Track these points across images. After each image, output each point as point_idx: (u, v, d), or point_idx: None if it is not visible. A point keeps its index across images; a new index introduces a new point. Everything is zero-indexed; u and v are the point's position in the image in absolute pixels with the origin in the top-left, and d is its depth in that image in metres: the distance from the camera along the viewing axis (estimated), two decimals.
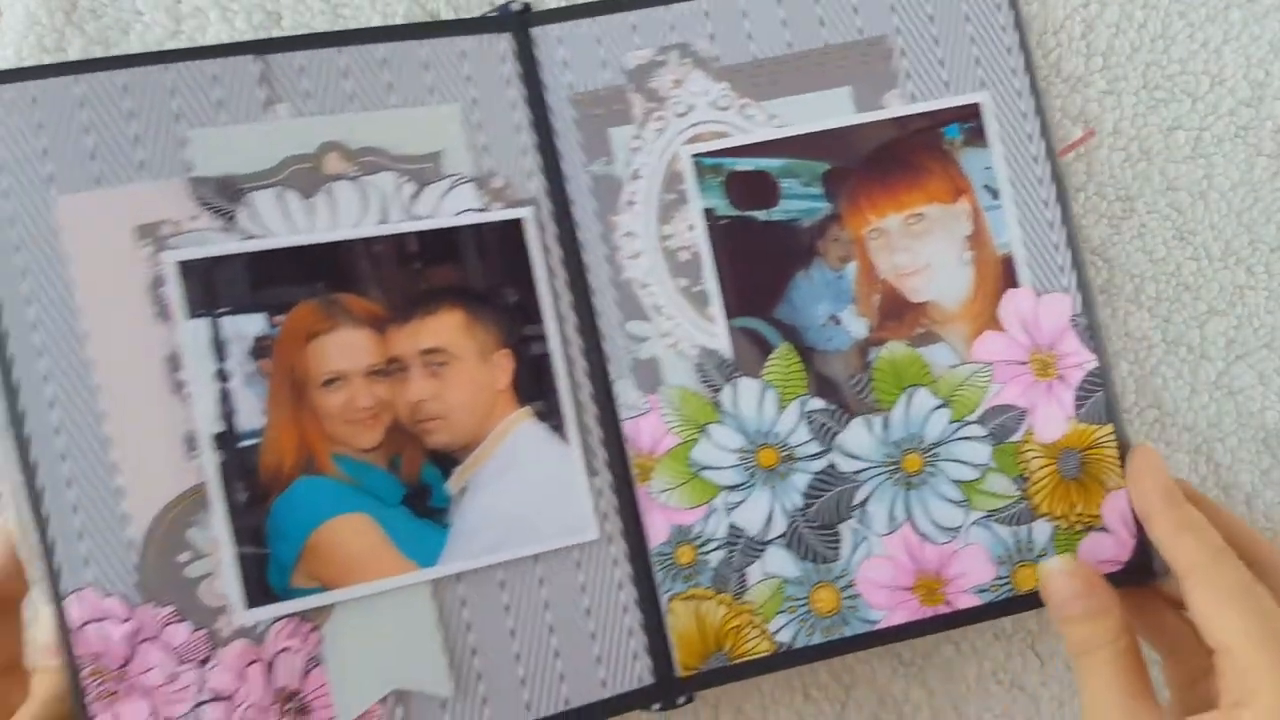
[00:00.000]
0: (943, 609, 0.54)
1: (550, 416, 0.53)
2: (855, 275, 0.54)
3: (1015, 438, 0.54)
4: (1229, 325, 0.64)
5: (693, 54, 0.55)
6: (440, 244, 0.52)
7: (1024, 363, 0.54)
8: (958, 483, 0.54)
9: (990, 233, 0.55)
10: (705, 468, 0.54)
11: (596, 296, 0.54)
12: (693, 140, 0.55)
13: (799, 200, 0.54)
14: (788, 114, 0.55)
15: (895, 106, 0.55)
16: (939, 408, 0.54)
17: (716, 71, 0.55)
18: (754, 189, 0.55)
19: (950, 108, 0.55)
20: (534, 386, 0.53)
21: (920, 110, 0.55)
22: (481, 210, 0.53)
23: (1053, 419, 0.54)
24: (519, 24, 0.55)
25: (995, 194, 0.55)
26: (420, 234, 0.52)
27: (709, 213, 0.54)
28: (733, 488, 0.54)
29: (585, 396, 0.53)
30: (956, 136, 0.55)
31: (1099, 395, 0.54)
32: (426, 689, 0.50)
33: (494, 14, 0.56)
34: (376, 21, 0.59)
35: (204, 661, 0.47)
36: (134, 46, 0.59)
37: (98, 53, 0.59)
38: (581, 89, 0.55)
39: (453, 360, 0.52)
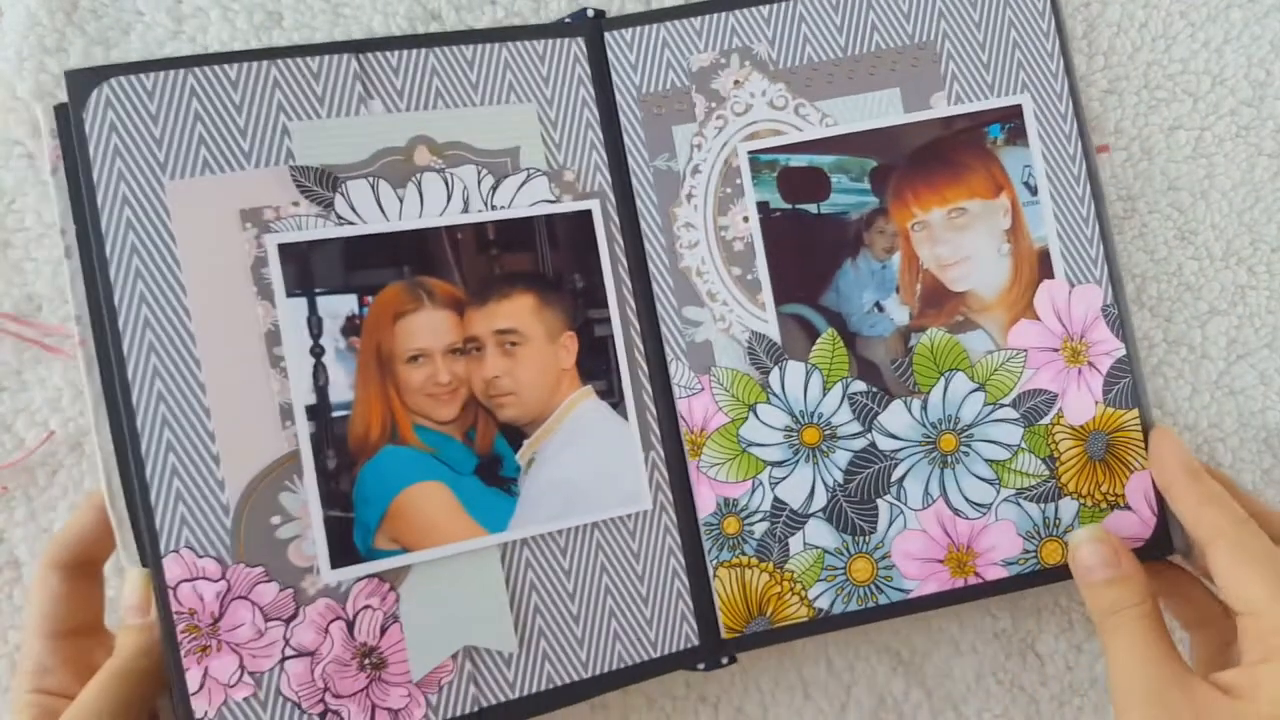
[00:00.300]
0: (972, 580, 0.57)
1: (610, 394, 0.57)
2: (899, 265, 0.58)
3: (1046, 420, 0.58)
4: (1230, 325, 0.66)
5: (752, 56, 0.58)
6: (515, 232, 0.56)
7: (1056, 350, 0.58)
8: (990, 462, 0.57)
9: (1028, 227, 0.58)
10: (752, 444, 0.57)
11: (656, 283, 0.58)
12: (750, 138, 0.58)
13: (848, 194, 0.58)
14: (839, 113, 0.58)
15: (941, 107, 0.58)
16: (974, 391, 0.57)
17: (774, 73, 0.58)
18: (806, 183, 0.58)
19: (993, 109, 0.58)
20: (596, 366, 0.57)
21: (965, 111, 0.58)
22: (553, 202, 0.57)
23: (1082, 403, 0.58)
24: (593, 29, 0.58)
25: (1033, 190, 0.58)
26: (498, 223, 0.56)
27: (763, 206, 0.58)
28: (778, 464, 0.57)
29: (643, 376, 0.57)
30: (998, 136, 0.58)
31: (1126, 381, 0.58)
32: (493, 645, 0.54)
33: (569, 20, 0.60)
34: (378, 21, 0.62)
35: (290, 619, 0.52)
36: (135, 46, 0.61)
37: (98, 53, 0.61)
38: (648, 90, 0.58)
39: (524, 341, 0.56)
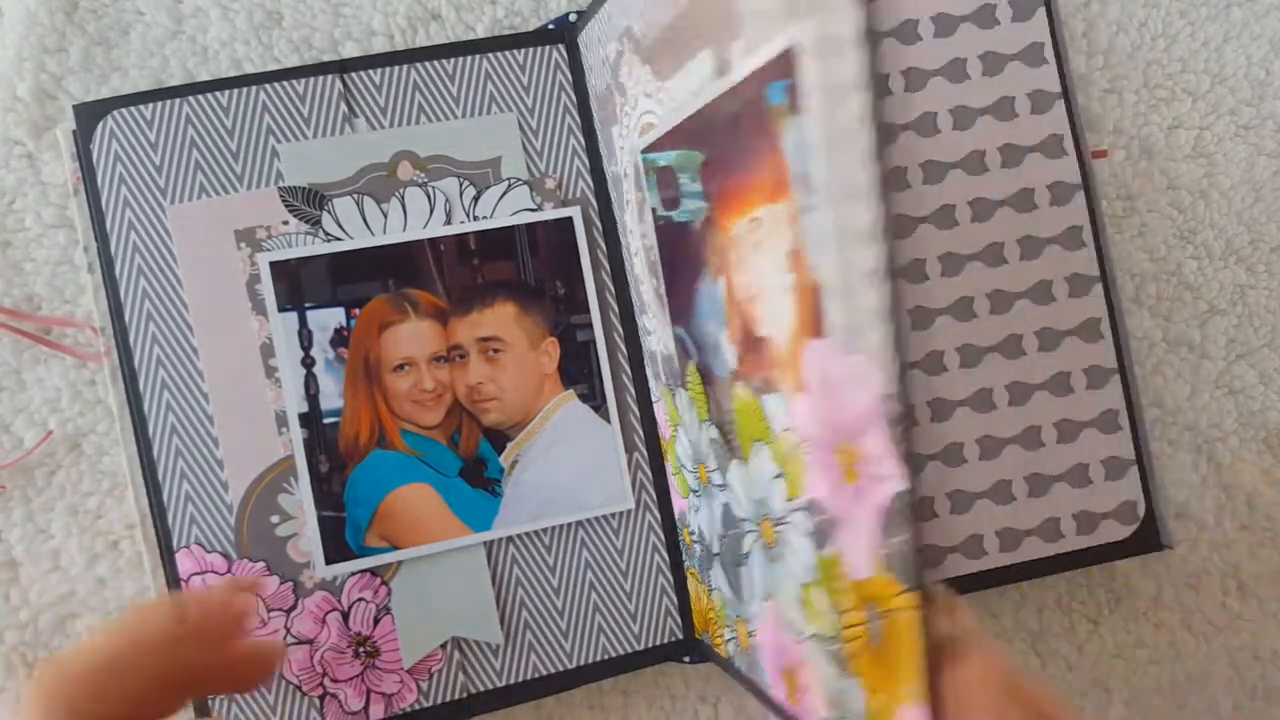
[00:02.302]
0: (798, 712, 0.48)
1: (593, 398, 0.64)
2: (724, 294, 0.49)
3: (827, 551, 0.43)
4: (1230, 324, 0.73)
5: (632, 36, 0.55)
6: (496, 242, 0.64)
7: (832, 449, 0.42)
8: (797, 579, 0.47)
9: (807, 246, 0.41)
10: (681, 466, 0.60)
11: (631, 288, 0.62)
12: (642, 133, 0.56)
13: (691, 199, 0.51)
14: (678, 93, 0.50)
15: (740, 63, 0.44)
16: (777, 477, 0.47)
17: (644, 53, 0.54)
18: (670, 186, 0.54)
19: (770, 60, 0.41)
20: (579, 370, 0.64)
21: (751, 69, 0.43)
22: (535, 210, 0.64)
23: (861, 547, 0.40)
24: (573, 34, 0.62)
25: (811, 187, 0.40)
26: (479, 233, 0.64)
27: (654, 212, 0.56)
28: (695, 492, 0.59)
29: (625, 380, 0.64)
30: (781, 100, 0.41)
31: (902, 539, 0.37)
32: (480, 637, 0.65)
33: (553, 25, 0.64)
34: (378, 20, 0.68)
35: (290, 609, 0.63)
36: (135, 46, 0.67)
37: (99, 53, 0.67)
38: (596, 90, 0.61)
39: (506, 347, 0.65)
